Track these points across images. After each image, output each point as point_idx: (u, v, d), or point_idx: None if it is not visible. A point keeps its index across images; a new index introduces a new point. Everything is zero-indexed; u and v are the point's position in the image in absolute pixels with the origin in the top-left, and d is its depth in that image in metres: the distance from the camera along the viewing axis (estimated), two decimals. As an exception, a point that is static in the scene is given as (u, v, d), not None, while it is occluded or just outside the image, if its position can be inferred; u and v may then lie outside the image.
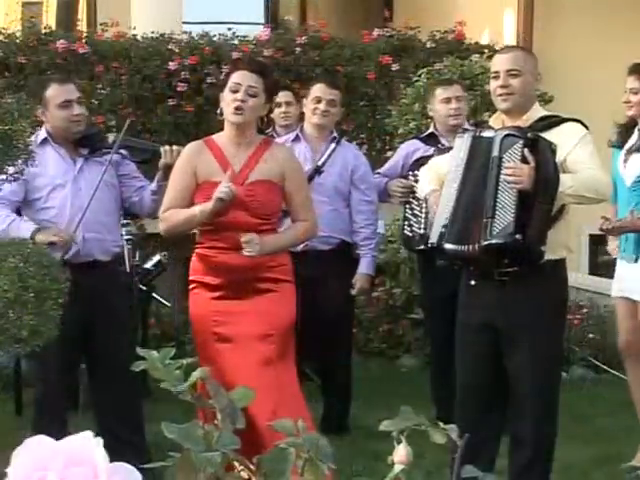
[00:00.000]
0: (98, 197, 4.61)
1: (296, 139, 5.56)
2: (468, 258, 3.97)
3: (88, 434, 1.10)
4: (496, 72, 4.08)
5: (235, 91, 4.24)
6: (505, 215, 3.82)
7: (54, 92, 4.68)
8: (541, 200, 3.84)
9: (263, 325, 4.19)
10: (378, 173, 5.76)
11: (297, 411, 4.04)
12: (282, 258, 4.35)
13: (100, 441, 1.09)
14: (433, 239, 4.05)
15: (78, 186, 4.67)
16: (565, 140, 3.97)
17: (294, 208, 4.41)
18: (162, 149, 4.66)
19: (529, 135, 3.87)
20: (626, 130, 5.11)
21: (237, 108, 4.22)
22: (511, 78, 4.02)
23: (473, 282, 4.04)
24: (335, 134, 5.69)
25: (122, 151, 4.79)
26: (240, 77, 4.26)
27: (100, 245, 4.70)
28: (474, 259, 3.96)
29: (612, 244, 5.28)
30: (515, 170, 3.82)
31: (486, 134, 4.00)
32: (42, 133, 4.72)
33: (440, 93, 5.52)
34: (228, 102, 4.25)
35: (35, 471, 1.09)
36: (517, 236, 3.79)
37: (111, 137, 4.79)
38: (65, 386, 4.82)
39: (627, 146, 5.05)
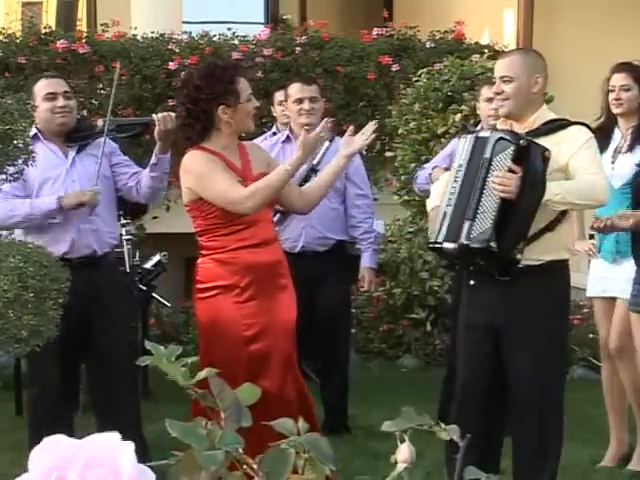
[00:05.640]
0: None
1: (287, 140, 5.57)
2: (457, 257, 4.07)
3: (115, 435, 1.09)
4: (494, 78, 4.17)
5: (250, 100, 4.21)
6: (485, 220, 3.89)
7: (41, 85, 4.80)
8: (522, 209, 3.88)
9: (285, 322, 4.20)
10: (424, 167, 5.71)
11: (306, 409, 4.08)
12: (283, 254, 4.38)
13: (130, 445, 1.08)
14: (432, 238, 4.10)
15: (71, 179, 4.71)
16: (569, 144, 4.00)
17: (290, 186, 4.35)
18: (156, 117, 4.59)
19: (521, 142, 3.89)
20: (604, 133, 5.08)
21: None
22: (504, 84, 4.07)
23: (472, 282, 4.07)
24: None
25: (118, 134, 4.85)
26: (248, 85, 4.24)
27: (96, 236, 4.71)
28: (468, 259, 4.02)
29: (584, 245, 5.21)
30: (503, 179, 3.85)
31: (483, 134, 4.07)
32: (32, 131, 4.70)
33: (485, 92, 5.49)
34: (249, 112, 4.21)
35: (55, 470, 1.08)
36: (492, 244, 3.87)
37: (100, 121, 4.80)
38: (66, 387, 4.81)
39: (612, 147, 5.04)
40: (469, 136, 4.11)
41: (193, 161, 4.17)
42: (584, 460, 5.11)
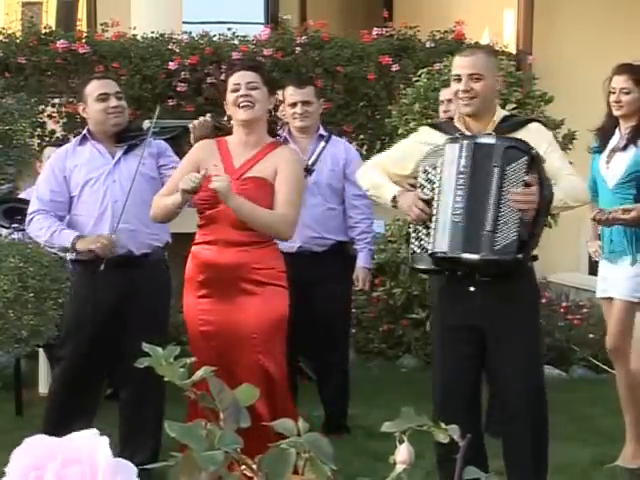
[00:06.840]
0: (133, 189, 4.62)
1: (284, 142, 5.54)
2: (475, 267, 3.91)
3: (93, 431, 1.09)
4: (458, 75, 4.01)
5: (236, 90, 4.30)
6: (508, 232, 3.81)
7: (93, 86, 4.79)
8: (539, 218, 3.86)
9: (245, 328, 4.19)
10: None
11: (285, 412, 4.02)
12: (270, 261, 4.30)
13: (106, 440, 1.08)
14: (443, 248, 3.89)
15: (112, 178, 4.71)
16: (536, 143, 3.92)
17: (277, 202, 4.24)
18: (190, 125, 4.66)
19: (533, 152, 3.84)
20: (605, 132, 5.10)
21: (244, 102, 4.26)
22: (473, 82, 3.97)
23: (472, 288, 3.98)
24: (322, 132, 5.66)
25: (158, 133, 4.85)
26: (237, 77, 4.34)
27: (133, 236, 4.67)
28: (487, 269, 3.94)
29: (593, 245, 5.31)
30: (525, 197, 3.78)
31: (485, 140, 3.92)
32: (83, 133, 4.82)
33: (443, 94, 5.55)
34: (233, 102, 4.30)
35: (33, 469, 1.08)
36: (519, 255, 3.81)
37: (146, 122, 4.81)
38: (92, 385, 4.79)
39: (609, 147, 5.05)
40: (464, 142, 3.91)
41: None
42: (584, 460, 5.11)
